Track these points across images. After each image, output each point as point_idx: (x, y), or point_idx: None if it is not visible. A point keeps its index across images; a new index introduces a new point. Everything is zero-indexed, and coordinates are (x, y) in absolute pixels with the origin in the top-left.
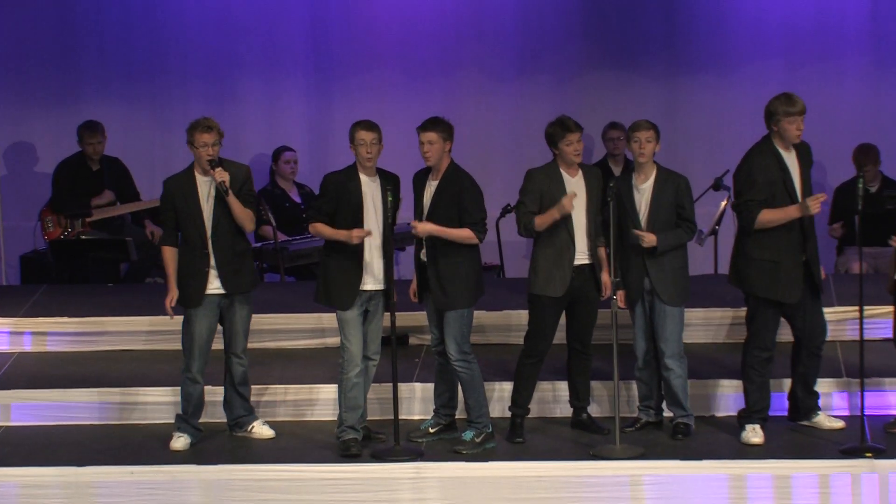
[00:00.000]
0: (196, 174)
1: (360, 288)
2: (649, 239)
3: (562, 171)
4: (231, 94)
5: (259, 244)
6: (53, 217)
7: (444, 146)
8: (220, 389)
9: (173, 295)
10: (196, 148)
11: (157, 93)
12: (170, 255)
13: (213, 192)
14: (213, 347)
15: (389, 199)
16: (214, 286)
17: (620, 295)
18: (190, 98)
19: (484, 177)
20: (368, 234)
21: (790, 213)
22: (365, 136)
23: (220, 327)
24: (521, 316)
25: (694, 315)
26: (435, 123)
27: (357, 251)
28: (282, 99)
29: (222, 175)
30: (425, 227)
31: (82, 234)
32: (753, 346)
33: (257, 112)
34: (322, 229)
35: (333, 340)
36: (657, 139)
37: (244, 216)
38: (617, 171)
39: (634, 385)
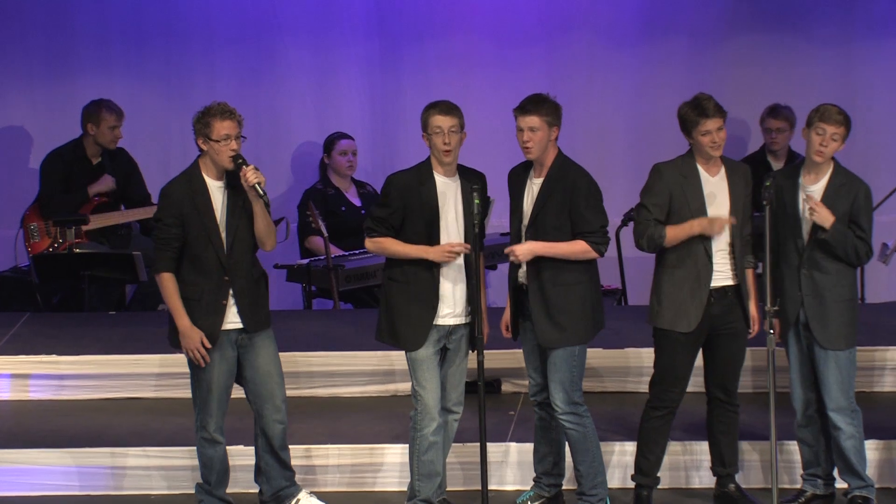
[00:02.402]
0: (206, 177)
1: (436, 322)
2: (823, 214)
3: (699, 166)
4: (270, 68)
5: (306, 261)
6: (40, 224)
7: (549, 133)
8: (241, 449)
9: (199, 335)
10: (215, 142)
11: (174, 65)
12: (175, 283)
13: (227, 201)
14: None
15: (476, 202)
16: (230, 319)
17: (778, 327)
18: (216, 72)
19: (600, 173)
20: (466, 248)
21: None
22: (442, 121)
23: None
24: (647, 356)
25: (871, 356)
26: (538, 104)
27: (431, 272)
28: (336, 73)
29: (257, 175)
30: (526, 249)
31: (77, 246)
32: None
33: (304, 89)
34: (389, 245)
35: (404, 387)
36: (844, 138)
37: (270, 231)
38: (777, 166)
39: (796, 447)
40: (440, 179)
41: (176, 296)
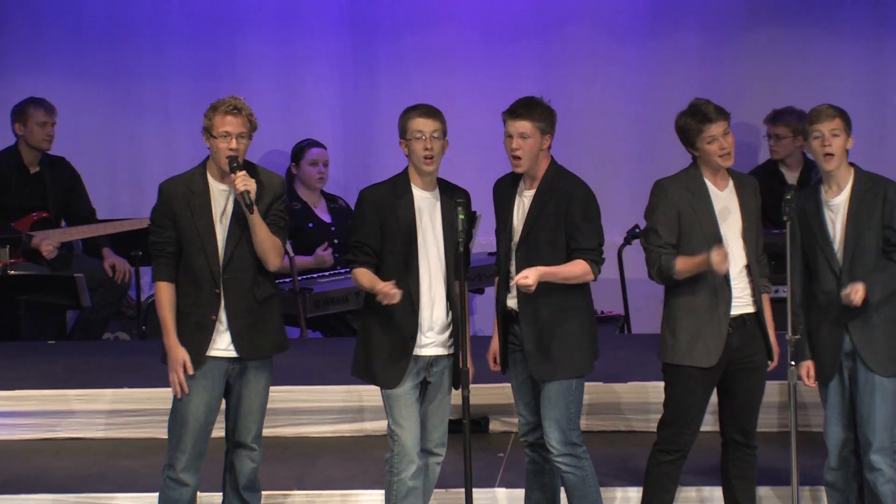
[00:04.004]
0: (210, 178)
1: (415, 352)
2: (857, 294)
3: (706, 181)
4: (228, 65)
5: None
6: None
7: (541, 141)
8: (213, 497)
9: (183, 356)
10: (214, 138)
11: (120, 62)
12: (170, 295)
13: (231, 208)
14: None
15: (461, 218)
16: (222, 346)
17: (806, 367)
18: (167, 69)
19: (601, 186)
20: (397, 296)
21: None
22: (424, 125)
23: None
24: (654, 391)
25: None
26: (530, 107)
27: (409, 297)
28: (302, 71)
29: (246, 182)
30: (536, 275)
31: (11, 267)
32: None
33: (266, 90)
34: (361, 278)
35: (379, 426)
36: (847, 130)
37: (271, 247)
38: (791, 177)
39: (823, 493)
40: (419, 193)
41: (167, 308)
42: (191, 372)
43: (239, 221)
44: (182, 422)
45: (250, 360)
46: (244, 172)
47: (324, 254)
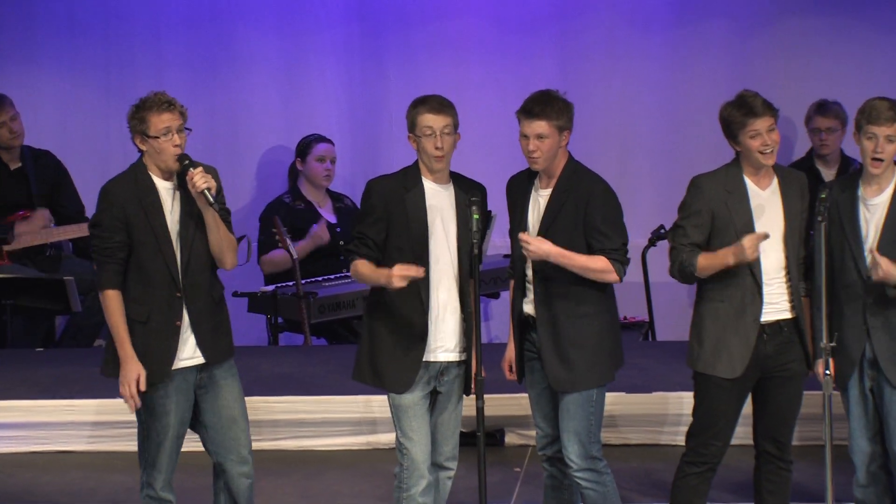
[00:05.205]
0: (153, 177)
1: (425, 358)
2: (886, 268)
3: (747, 179)
4: (228, 57)
5: (271, 287)
6: None
7: (559, 139)
8: None
9: (138, 370)
10: (154, 139)
11: (113, 53)
12: (121, 303)
13: (178, 206)
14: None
15: (475, 217)
16: (186, 354)
17: (834, 369)
18: (164, 61)
19: (622, 184)
20: (419, 274)
21: None
22: (434, 121)
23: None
24: (680, 402)
25: None
26: (546, 105)
27: (419, 297)
28: (308, 63)
29: (206, 179)
30: (540, 247)
31: None
32: None
33: (269, 83)
34: (362, 269)
35: (386, 439)
36: None
37: (228, 245)
38: (828, 174)
39: None
40: (430, 187)
41: (120, 317)
42: (143, 388)
43: (190, 220)
44: (158, 440)
45: (215, 366)
46: (201, 168)
47: (320, 231)
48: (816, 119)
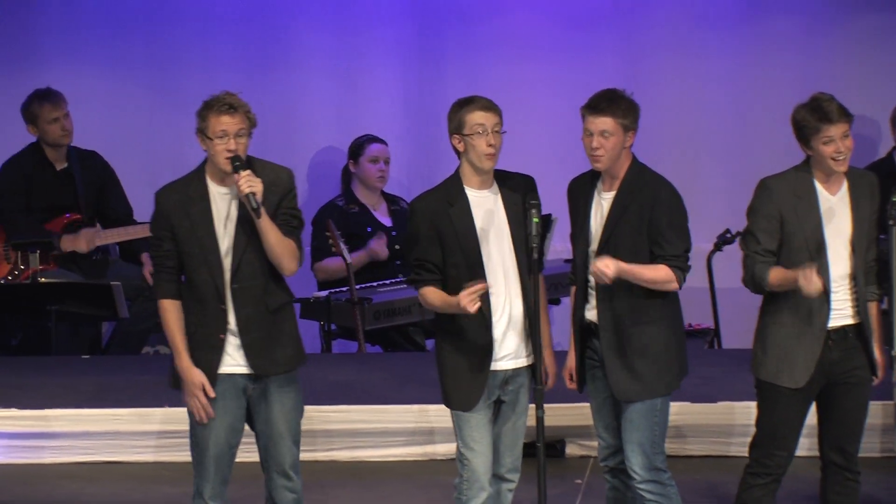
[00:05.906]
0: (210, 182)
1: (492, 367)
2: None
3: (817, 183)
4: (281, 55)
5: (325, 293)
6: None
7: (624, 139)
8: None
9: (200, 378)
10: (210, 140)
11: (162, 51)
12: (176, 313)
13: (235, 212)
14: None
15: (535, 222)
16: (234, 362)
17: None
18: (214, 60)
19: (688, 187)
20: (483, 288)
21: None
22: (486, 119)
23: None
24: (746, 412)
25: None
26: (612, 102)
27: (480, 313)
28: (363, 61)
29: (251, 183)
30: (616, 268)
31: (42, 274)
32: None
33: (323, 82)
34: (431, 298)
35: (446, 449)
36: None
37: (284, 251)
38: None
39: None
40: (473, 195)
41: (175, 328)
42: (212, 394)
43: (245, 226)
44: (202, 447)
45: (270, 377)
46: (249, 172)
47: (376, 246)
48: None
